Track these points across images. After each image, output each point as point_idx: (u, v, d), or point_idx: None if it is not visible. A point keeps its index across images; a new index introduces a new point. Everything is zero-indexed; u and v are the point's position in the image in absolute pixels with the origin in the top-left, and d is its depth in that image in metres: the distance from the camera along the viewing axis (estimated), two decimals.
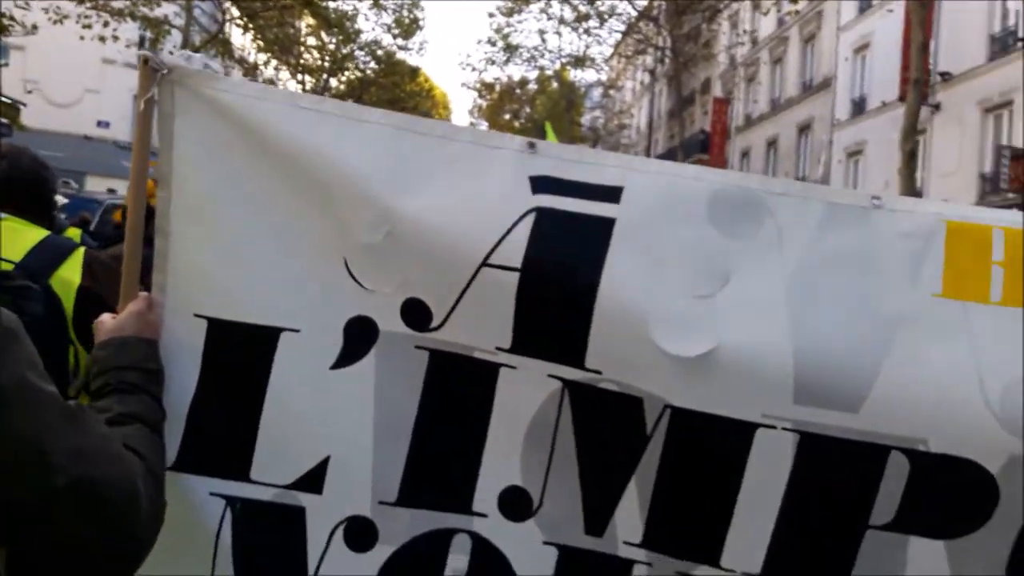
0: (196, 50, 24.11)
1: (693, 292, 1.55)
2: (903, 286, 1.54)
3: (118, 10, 21.53)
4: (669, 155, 39.96)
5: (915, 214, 1.59)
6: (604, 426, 1.62)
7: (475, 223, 1.59)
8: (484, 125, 51.74)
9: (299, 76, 35.38)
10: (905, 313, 1.53)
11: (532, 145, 1.63)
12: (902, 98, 21.92)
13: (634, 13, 32.49)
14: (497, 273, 1.56)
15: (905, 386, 1.50)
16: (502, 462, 1.65)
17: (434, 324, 1.62)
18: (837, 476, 1.55)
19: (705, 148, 37.08)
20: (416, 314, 1.63)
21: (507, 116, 46.90)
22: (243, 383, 1.64)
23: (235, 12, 26.74)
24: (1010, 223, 1.56)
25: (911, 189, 13.25)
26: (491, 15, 40.00)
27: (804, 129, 30.60)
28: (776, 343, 1.52)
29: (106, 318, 1.56)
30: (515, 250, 1.56)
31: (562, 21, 37.48)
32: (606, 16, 33.80)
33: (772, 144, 33.29)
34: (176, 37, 24.40)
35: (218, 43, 24.80)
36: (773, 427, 1.54)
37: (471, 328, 1.62)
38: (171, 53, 1.68)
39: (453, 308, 1.61)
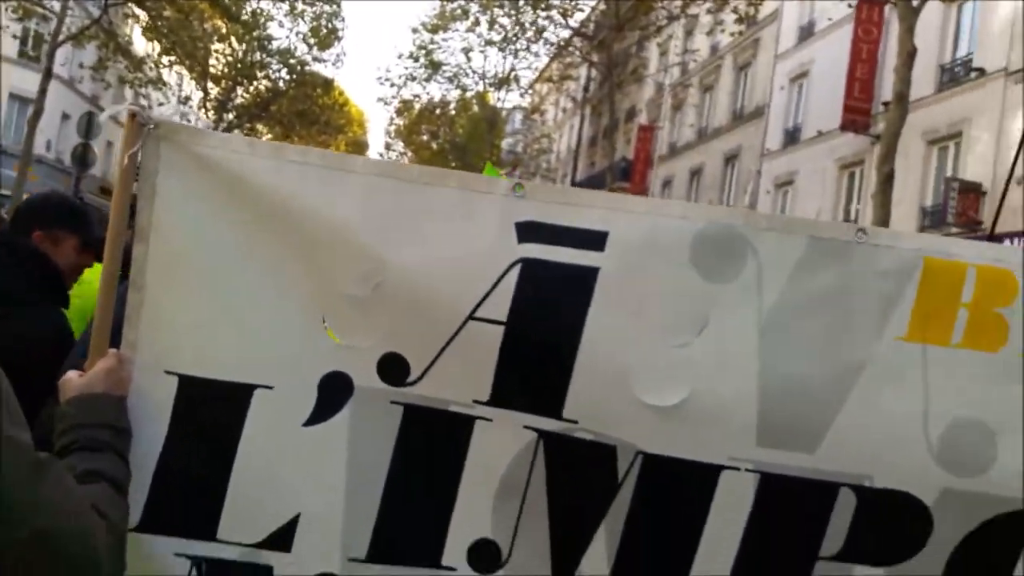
0: (74, 38, 21.58)
1: (672, 342, 1.59)
2: (871, 330, 1.60)
3: None
4: (590, 181, 39.20)
5: (896, 249, 1.62)
6: (576, 475, 1.64)
7: (463, 276, 1.60)
8: (400, 145, 50.00)
9: (202, 83, 32.92)
10: (868, 358, 1.59)
11: (519, 187, 1.62)
12: (843, 127, 21.44)
13: (565, 34, 31.44)
14: (483, 327, 1.58)
15: (858, 428, 1.58)
16: (473, 515, 1.65)
17: (411, 379, 1.63)
18: (792, 512, 1.64)
19: (627, 176, 36.27)
20: (393, 369, 1.63)
21: (425, 136, 45.14)
22: (213, 441, 1.62)
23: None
24: (986, 260, 1.61)
25: (885, 215, 12.16)
26: (415, 31, 38.18)
27: (731, 159, 30.00)
28: (744, 388, 1.58)
29: (73, 375, 1.53)
30: (501, 303, 1.58)
31: (489, 42, 36.34)
32: (533, 40, 32.80)
33: (696, 173, 32.65)
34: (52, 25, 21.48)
35: (101, 32, 21.92)
36: (737, 468, 1.61)
37: (449, 381, 1.63)
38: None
39: (433, 362, 1.62)
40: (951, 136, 18.51)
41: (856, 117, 21.19)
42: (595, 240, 1.59)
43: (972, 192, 17.39)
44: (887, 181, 12.00)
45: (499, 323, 1.57)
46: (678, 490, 1.62)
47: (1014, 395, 1.58)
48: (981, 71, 17.46)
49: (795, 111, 26.08)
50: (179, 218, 1.59)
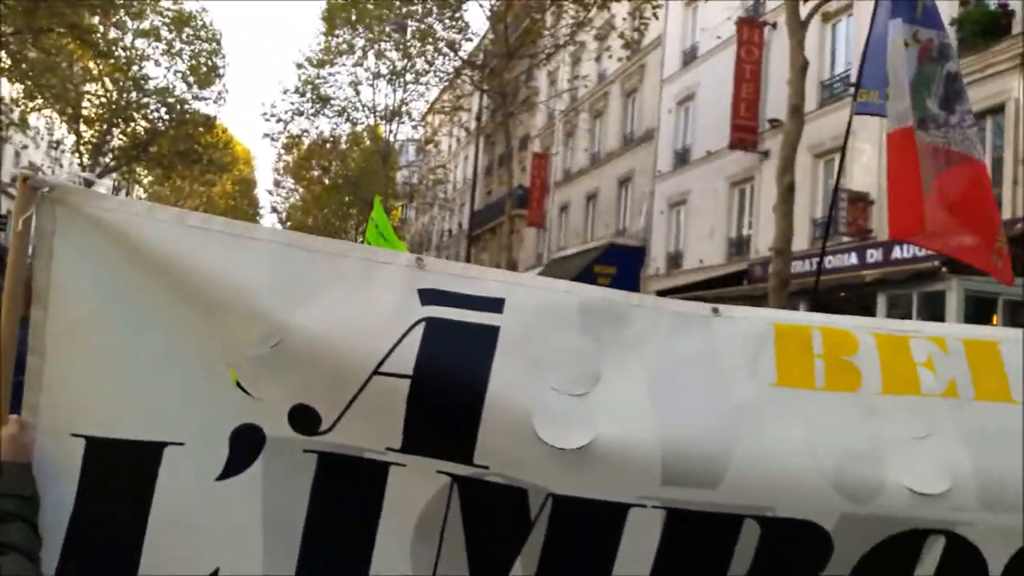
0: None
1: (569, 391, 1.69)
2: (745, 379, 1.78)
3: None
4: (489, 210, 39.08)
5: (748, 320, 1.86)
6: (491, 516, 1.70)
7: (366, 334, 1.64)
8: (290, 181, 48.60)
9: (74, 126, 31.13)
10: (749, 401, 1.75)
11: (420, 260, 1.75)
12: (732, 145, 22.01)
13: (457, 63, 31.25)
14: (388, 380, 1.62)
15: (754, 464, 1.69)
16: (392, 559, 1.68)
17: (323, 428, 1.65)
18: (698, 544, 1.72)
19: (524, 203, 36.35)
20: (304, 419, 1.65)
21: (317, 172, 44.05)
22: (125, 501, 1.60)
23: None
24: (825, 324, 1.88)
25: (788, 226, 12.27)
26: (300, 66, 37.18)
27: (625, 182, 30.44)
28: (644, 433, 1.67)
29: None
30: (406, 358, 1.63)
31: (377, 75, 35.84)
32: (423, 72, 32.56)
33: (592, 197, 32.99)
34: None
35: None
36: (644, 506, 1.69)
37: (361, 430, 1.66)
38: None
39: (343, 413, 1.64)
40: (836, 149, 19.19)
41: (744, 135, 21.80)
42: (494, 304, 1.72)
43: (860, 202, 18.04)
44: (788, 192, 12.17)
45: (405, 376, 1.62)
46: (589, 529, 1.70)
47: (884, 428, 1.74)
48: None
49: (684, 133, 26.69)
50: (78, 281, 1.59)
